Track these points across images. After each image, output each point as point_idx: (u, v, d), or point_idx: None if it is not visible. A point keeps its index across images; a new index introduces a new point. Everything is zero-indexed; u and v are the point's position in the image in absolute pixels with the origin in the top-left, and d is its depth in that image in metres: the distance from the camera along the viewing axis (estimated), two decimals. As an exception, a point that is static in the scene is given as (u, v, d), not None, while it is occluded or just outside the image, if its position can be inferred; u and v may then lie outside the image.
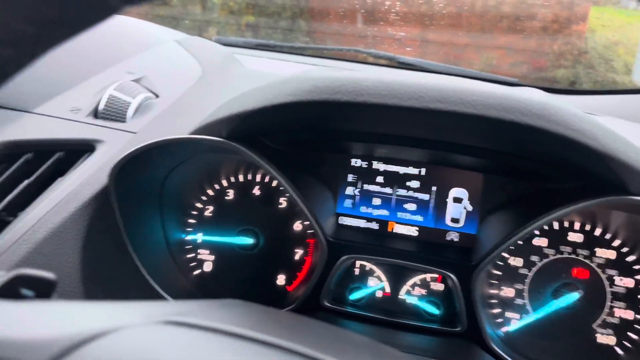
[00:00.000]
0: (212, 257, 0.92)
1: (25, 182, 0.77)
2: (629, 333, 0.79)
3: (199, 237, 0.92)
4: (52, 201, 0.73)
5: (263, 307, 0.47)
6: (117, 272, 0.80)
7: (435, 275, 0.84)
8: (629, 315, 0.79)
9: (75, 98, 0.93)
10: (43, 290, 0.39)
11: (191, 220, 0.93)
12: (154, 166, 0.81)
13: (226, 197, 0.92)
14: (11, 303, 0.35)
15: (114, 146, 0.84)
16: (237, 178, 0.92)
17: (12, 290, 0.37)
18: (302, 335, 0.38)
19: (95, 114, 0.91)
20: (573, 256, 0.81)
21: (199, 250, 0.92)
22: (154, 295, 0.82)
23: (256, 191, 0.91)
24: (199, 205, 0.92)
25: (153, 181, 0.84)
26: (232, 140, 0.72)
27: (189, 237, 0.92)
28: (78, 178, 0.77)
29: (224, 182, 0.92)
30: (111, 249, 0.78)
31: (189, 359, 0.30)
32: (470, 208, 0.84)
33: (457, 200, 0.84)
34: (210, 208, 0.92)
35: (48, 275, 0.38)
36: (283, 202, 0.90)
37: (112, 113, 0.91)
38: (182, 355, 0.31)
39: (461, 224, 0.84)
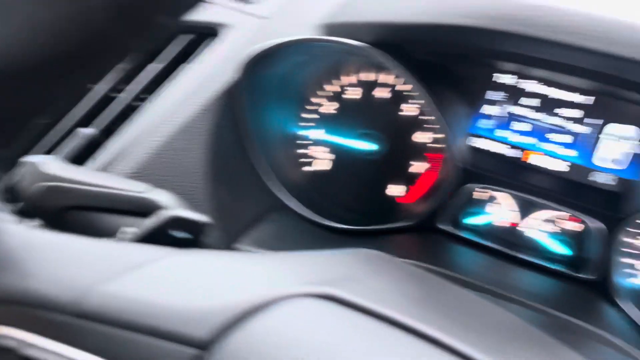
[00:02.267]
0: (331, 156, 0.89)
1: (149, 66, 0.75)
2: None
3: (320, 134, 0.89)
4: (179, 91, 0.72)
5: (412, 268, 0.45)
6: (242, 170, 0.80)
7: (566, 215, 0.76)
8: None
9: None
10: (194, 231, 0.38)
11: (311, 116, 0.89)
12: (283, 61, 0.76)
13: (349, 96, 0.86)
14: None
15: (240, 32, 0.79)
16: (366, 77, 0.85)
17: (165, 232, 0.37)
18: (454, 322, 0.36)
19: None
20: None
21: (317, 148, 0.89)
22: (272, 193, 0.82)
23: (381, 93, 0.84)
24: (320, 101, 0.88)
25: (279, 76, 0.80)
26: (380, 48, 0.65)
27: (308, 133, 0.89)
28: (204, 67, 0.74)
29: (347, 80, 0.86)
30: (235, 146, 0.77)
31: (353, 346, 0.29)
32: (638, 150, 0.72)
33: (624, 139, 0.72)
34: (332, 105, 0.88)
35: (203, 218, 0.37)
36: (412, 110, 0.83)
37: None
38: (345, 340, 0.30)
39: (623, 166, 0.73)
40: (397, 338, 0.31)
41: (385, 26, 0.60)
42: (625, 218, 0.68)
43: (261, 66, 0.72)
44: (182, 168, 0.67)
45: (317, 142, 0.89)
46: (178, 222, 0.37)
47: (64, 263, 0.34)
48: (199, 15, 0.80)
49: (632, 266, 0.75)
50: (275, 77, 0.79)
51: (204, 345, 0.28)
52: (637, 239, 0.74)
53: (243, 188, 0.80)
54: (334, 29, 0.68)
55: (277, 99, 0.85)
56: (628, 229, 0.69)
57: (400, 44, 0.67)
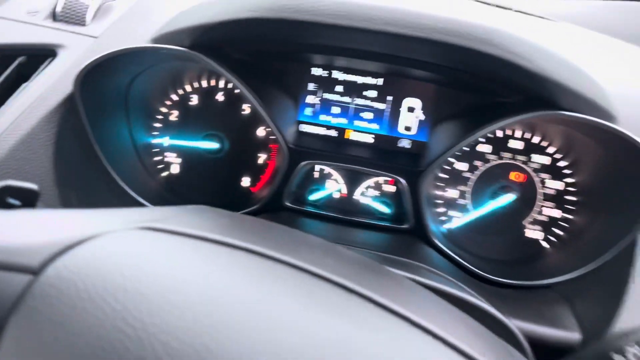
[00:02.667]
0: (179, 160, 0.97)
1: (-11, 88, 0.78)
2: (554, 229, 0.89)
3: (166, 140, 0.96)
4: (20, 107, 0.75)
5: (228, 212, 0.53)
6: (90, 176, 0.84)
7: (388, 178, 0.91)
8: (556, 213, 0.89)
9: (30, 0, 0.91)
10: (28, 199, 0.43)
11: (157, 125, 0.96)
12: (118, 72, 0.82)
13: (190, 103, 0.95)
14: (1, 212, 0.39)
15: (76, 51, 0.84)
16: (200, 84, 0.94)
17: (1, 200, 0.42)
18: (264, 238, 0.43)
19: (54, 16, 0.90)
20: (512, 161, 0.89)
21: (165, 154, 0.96)
22: (126, 198, 0.87)
23: (220, 97, 0.94)
24: (164, 110, 0.95)
25: (118, 87, 0.86)
26: (195, 50, 0.74)
27: (156, 141, 0.96)
28: (43, 84, 0.78)
29: (188, 88, 0.94)
30: (81, 154, 0.82)
31: (166, 260, 0.36)
32: (422, 117, 0.90)
33: (411, 109, 0.90)
34: (175, 113, 0.95)
35: (32, 186, 0.43)
36: (246, 109, 0.94)
37: (70, 15, 0.90)
38: (159, 256, 0.36)
39: (413, 131, 0.90)
40: (214, 251, 0.38)
41: (198, 29, 0.69)
42: (423, 171, 0.84)
43: (95, 78, 0.77)
44: (24, 176, 0.70)
45: (168, 148, 0.96)
46: (10, 190, 0.42)
47: None
48: (38, 37, 0.85)
49: (444, 213, 0.92)
50: (113, 89, 0.85)
51: (35, 271, 0.34)
52: (437, 189, 0.91)
53: (94, 193, 0.84)
54: (159, 39, 0.76)
55: (123, 110, 0.90)
56: (426, 181, 0.84)
57: (218, 45, 0.76)
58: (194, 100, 0.95)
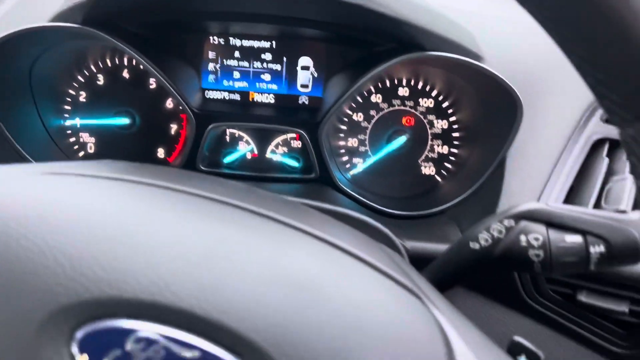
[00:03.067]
0: (94, 140, 1.00)
1: None
2: (445, 163, 1.01)
3: (78, 121, 0.99)
4: None
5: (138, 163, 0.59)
6: (5, 161, 0.87)
7: (293, 135, 0.99)
8: (444, 150, 1.00)
9: None
10: None
11: (67, 107, 0.99)
12: (18, 55, 0.85)
13: (98, 82, 0.98)
14: None
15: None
16: (105, 63, 0.97)
17: None
18: (175, 178, 0.49)
19: (-55, 7, 0.90)
20: (402, 107, 0.99)
21: (80, 134, 1.00)
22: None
23: (126, 74, 0.98)
24: (71, 91, 0.98)
25: (20, 70, 0.88)
26: (90, 26, 0.78)
27: (68, 123, 0.99)
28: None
29: (93, 68, 0.98)
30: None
31: (64, 191, 0.41)
32: (316, 74, 0.98)
33: (305, 68, 0.97)
34: (84, 93, 0.99)
35: None
36: (153, 83, 0.98)
37: (-38, 5, 0.90)
38: (57, 189, 0.41)
39: (309, 88, 0.98)
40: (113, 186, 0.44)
41: (88, 3, 0.72)
42: (319, 122, 0.92)
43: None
44: None
45: (81, 129, 1.00)
46: None
47: None
48: None
49: (348, 161, 1.01)
50: (14, 73, 0.87)
51: None
52: (339, 140, 1.00)
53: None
54: (55, 18, 0.79)
55: (29, 94, 0.92)
56: (324, 131, 0.93)
57: (111, 19, 0.80)
58: (101, 79, 0.98)
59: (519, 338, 0.46)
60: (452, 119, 0.99)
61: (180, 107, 0.98)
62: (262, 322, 0.35)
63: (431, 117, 0.99)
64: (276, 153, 1.00)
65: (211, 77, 0.98)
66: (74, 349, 0.33)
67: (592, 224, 0.51)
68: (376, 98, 0.99)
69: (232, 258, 0.38)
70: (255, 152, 1.00)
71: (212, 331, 0.34)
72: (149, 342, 0.33)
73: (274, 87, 0.98)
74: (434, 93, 0.98)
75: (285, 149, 1.00)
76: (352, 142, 1.00)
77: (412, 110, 0.99)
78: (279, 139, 1.00)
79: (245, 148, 1.00)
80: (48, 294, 0.33)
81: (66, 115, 0.99)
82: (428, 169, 1.01)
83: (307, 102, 0.98)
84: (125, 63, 0.98)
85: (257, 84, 0.98)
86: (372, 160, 1.00)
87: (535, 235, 0.52)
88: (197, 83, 0.98)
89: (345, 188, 0.96)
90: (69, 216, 0.37)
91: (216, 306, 0.34)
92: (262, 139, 1.00)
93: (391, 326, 0.38)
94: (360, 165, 1.01)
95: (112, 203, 0.40)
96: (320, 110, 0.96)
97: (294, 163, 1.00)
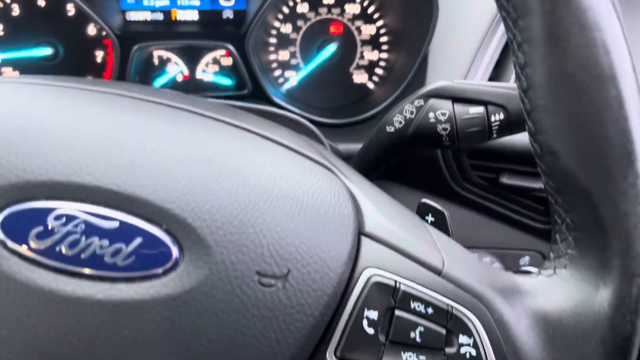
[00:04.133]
0: (17, 73, 0.98)
1: None
2: (375, 70, 1.03)
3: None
4: None
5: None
6: None
7: (223, 52, 0.99)
8: (374, 56, 1.02)
9: None
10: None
11: (-17, 41, 0.95)
12: None
13: (12, 13, 0.94)
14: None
15: None
16: (17, -9, 0.94)
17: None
18: (93, 82, 0.50)
19: None
20: (329, 16, 1.00)
21: (1, 69, 0.97)
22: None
23: (41, 1, 0.94)
24: (-14, 24, 0.94)
25: None
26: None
27: (-13, 58, 0.96)
28: None
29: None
30: None
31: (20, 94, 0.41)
32: (237, -13, 0.97)
33: (226, -19, 0.96)
34: (2, 24, 0.95)
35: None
36: (71, 9, 0.95)
37: None
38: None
39: (232, 1, 0.97)
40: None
41: None
42: (245, 34, 0.92)
43: None
44: None
45: (2, 64, 0.96)
46: None
47: None
48: None
49: (281, 75, 1.02)
50: None
51: None
52: (269, 54, 1.00)
53: None
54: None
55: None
56: (250, 43, 0.93)
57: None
58: (15, 9, 0.94)
59: (426, 200, 0.50)
60: (379, 23, 1.00)
61: (103, 33, 0.96)
62: (176, 192, 0.37)
63: (358, 23, 1.01)
64: (207, 72, 1.00)
65: (131, -3, 0.96)
66: (-1, 231, 0.35)
67: (492, 95, 0.55)
68: (302, 7, 0.99)
69: (146, 140, 0.40)
70: (186, 73, 1.00)
71: (129, 204, 0.36)
72: (68, 218, 0.36)
73: (197, 2, 0.96)
74: (359, -1, 0.99)
75: (217, 68, 1.00)
76: (283, 55, 1.01)
77: (339, 18, 1.00)
78: (209, 58, 0.99)
79: (175, 70, 0.99)
80: (-36, 183, 0.35)
81: (-15, 49, 0.95)
82: (360, 77, 1.04)
83: (231, 17, 0.97)
84: (40, -11, 0.94)
85: (178, 0, 0.96)
86: (304, 72, 1.02)
87: (442, 110, 0.56)
88: (116, 5, 0.95)
89: (280, 102, 0.98)
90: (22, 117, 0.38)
91: (131, 181, 0.37)
92: (191, 59, 0.99)
93: (300, 190, 0.41)
94: (293, 79, 1.02)
95: (27, 100, 0.41)
96: (244, 22, 0.96)
97: (226, 81, 1.01)
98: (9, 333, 0.34)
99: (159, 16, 0.96)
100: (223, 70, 1.00)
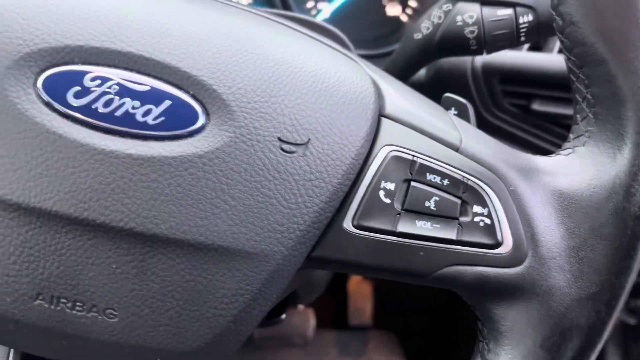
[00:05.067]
0: None
1: None
2: (409, 2, 1.02)
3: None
4: None
5: None
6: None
7: (257, -18, 1.00)
8: (408, -13, 1.01)
9: None
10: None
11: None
12: None
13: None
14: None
15: None
16: None
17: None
18: None
19: None
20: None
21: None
22: None
23: None
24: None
25: None
26: None
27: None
28: None
29: None
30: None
31: None
32: None
33: None
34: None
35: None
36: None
37: None
38: None
39: None
40: None
41: None
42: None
43: None
44: None
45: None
46: None
47: None
48: None
49: (313, 7, 1.02)
50: None
51: None
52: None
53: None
54: None
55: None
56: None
57: None
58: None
59: (449, 94, 0.51)
60: (414, -46, 0.99)
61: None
62: (204, 61, 0.39)
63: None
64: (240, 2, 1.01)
65: None
66: (40, 90, 0.38)
67: (521, -4, 0.55)
68: (336, -63, 0.98)
69: (177, 13, 0.42)
70: (221, 3, 1.01)
71: (160, 70, 0.39)
72: (103, 80, 0.38)
73: None
74: None
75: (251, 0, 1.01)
76: (316, -14, 1.01)
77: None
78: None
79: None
80: (11, 46, 0.37)
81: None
82: (393, 9, 1.03)
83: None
84: None
85: None
86: (337, 3, 1.02)
87: (470, 13, 0.56)
88: None
89: (311, 33, 0.98)
90: None
91: (162, 49, 0.39)
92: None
93: (322, 70, 0.42)
94: (326, 10, 1.02)
95: None
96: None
97: (260, 11, 1.02)
98: (49, 181, 0.37)
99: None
100: (257, 2, 1.01)
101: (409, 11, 1.02)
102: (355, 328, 1.49)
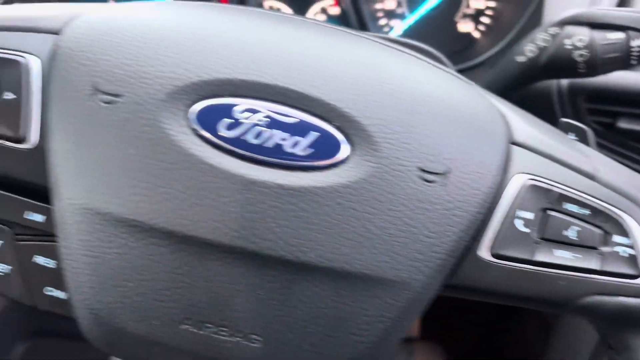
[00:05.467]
0: None
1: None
2: (482, 18, 1.02)
3: None
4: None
5: None
6: None
7: (331, 1, 1.01)
8: (481, 4, 1.01)
9: None
10: None
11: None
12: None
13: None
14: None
15: None
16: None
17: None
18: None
19: None
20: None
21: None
22: None
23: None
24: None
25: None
26: None
27: None
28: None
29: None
30: None
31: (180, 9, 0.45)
32: None
33: None
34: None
35: None
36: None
37: None
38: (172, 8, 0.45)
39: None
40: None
41: None
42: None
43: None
44: None
45: None
46: None
47: None
48: None
49: (385, 25, 1.03)
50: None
51: (57, 31, 0.42)
52: (376, 3, 1.01)
53: None
54: None
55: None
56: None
57: None
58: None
59: (566, 119, 0.50)
60: (488, -29, 0.99)
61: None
62: (346, 94, 0.40)
63: (468, -30, 1.00)
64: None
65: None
66: (192, 122, 0.39)
67: (634, 20, 0.54)
68: (411, -44, 0.99)
69: (315, 48, 0.43)
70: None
71: (306, 102, 0.40)
72: (253, 112, 0.39)
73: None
74: (469, -54, 0.98)
75: (324, 17, 1.03)
76: (389, 4, 1.02)
77: (447, -34, 0.99)
78: (317, 7, 1.02)
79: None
80: (164, 80, 0.39)
81: None
82: (465, 26, 1.03)
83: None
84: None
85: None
86: (410, 20, 1.03)
87: (580, 37, 0.56)
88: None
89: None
90: (181, 26, 0.42)
91: (307, 82, 0.40)
92: (300, 9, 1.02)
93: (453, 98, 0.43)
94: (398, 27, 1.03)
95: (208, 14, 0.45)
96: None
97: (333, 30, 1.03)
98: (202, 210, 0.39)
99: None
100: (330, 19, 1.03)
101: (481, 27, 1.02)
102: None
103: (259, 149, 0.39)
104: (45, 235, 0.43)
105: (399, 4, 1.02)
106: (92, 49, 0.41)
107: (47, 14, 0.44)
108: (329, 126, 0.40)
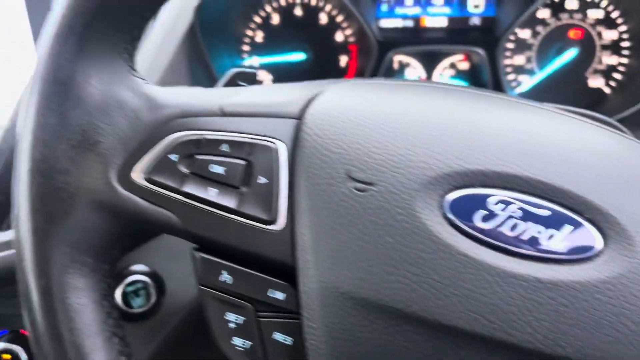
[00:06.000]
0: (271, 77, 1.09)
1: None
2: (614, 74, 1.01)
3: (255, 61, 1.08)
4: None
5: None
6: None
7: (461, 57, 1.03)
8: (614, 60, 1.00)
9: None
10: (251, 81, 0.56)
11: (245, 48, 1.07)
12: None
13: (272, 22, 1.06)
14: (244, 89, 0.52)
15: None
16: (279, 2, 1.05)
17: (233, 82, 0.55)
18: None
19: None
20: (570, 21, 1.00)
21: (260, 72, 1.09)
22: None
23: (298, 12, 1.05)
24: (249, 33, 1.06)
25: (215, 16, 0.97)
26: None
27: (246, 63, 1.08)
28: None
29: (268, 8, 1.05)
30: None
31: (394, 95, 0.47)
32: (488, -5, 1.00)
33: (477, -11, 1.00)
34: (261, 34, 1.07)
35: (252, 70, 0.56)
36: (323, 18, 1.04)
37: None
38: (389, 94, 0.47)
39: (482, 8, 1.00)
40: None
41: None
42: (498, 38, 0.95)
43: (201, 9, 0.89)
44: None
45: (259, 67, 1.09)
46: (238, 75, 0.55)
47: None
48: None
49: (514, 80, 1.04)
50: (213, 18, 0.97)
51: (298, 116, 0.47)
52: (505, 59, 1.02)
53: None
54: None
55: (221, 38, 1.02)
56: (501, 48, 0.96)
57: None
58: (275, 19, 1.06)
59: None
60: (622, 28, 0.99)
61: (351, 40, 1.04)
62: (597, 185, 0.41)
63: (600, 28, 0.99)
64: (443, 76, 1.05)
65: (384, 7, 1.03)
66: (447, 212, 0.40)
67: None
68: (543, 13, 1.00)
69: (539, 131, 0.44)
70: (424, 76, 1.05)
71: (557, 194, 0.40)
72: (506, 203, 0.40)
73: (447, 10, 1.01)
74: (603, 4, 0.98)
75: (453, 72, 1.04)
76: (519, 59, 1.03)
77: (581, 23, 1.00)
78: (446, 62, 1.04)
79: (413, 74, 1.05)
80: (417, 170, 0.41)
81: (245, 55, 1.08)
82: (595, 81, 1.02)
83: (479, 23, 1.01)
84: (298, 1, 1.04)
85: (429, 8, 1.01)
86: (538, 77, 1.03)
87: None
88: (372, 12, 1.03)
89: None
90: (417, 113, 0.44)
91: (556, 174, 0.41)
92: (430, 64, 1.04)
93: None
94: (527, 83, 1.04)
95: (439, 100, 0.46)
96: (494, 29, 0.99)
97: (462, 85, 1.04)
98: (459, 300, 0.40)
99: (410, 23, 1.02)
100: (459, 75, 1.04)
101: (612, 83, 1.01)
102: None
103: (515, 241, 0.40)
104: (285, 313, 0.45)
105: (529, 60, 1.02)
106: (341, 137, 0.43)
107: (285, 99, 0.47)
108: (581, 219, 0.40)
